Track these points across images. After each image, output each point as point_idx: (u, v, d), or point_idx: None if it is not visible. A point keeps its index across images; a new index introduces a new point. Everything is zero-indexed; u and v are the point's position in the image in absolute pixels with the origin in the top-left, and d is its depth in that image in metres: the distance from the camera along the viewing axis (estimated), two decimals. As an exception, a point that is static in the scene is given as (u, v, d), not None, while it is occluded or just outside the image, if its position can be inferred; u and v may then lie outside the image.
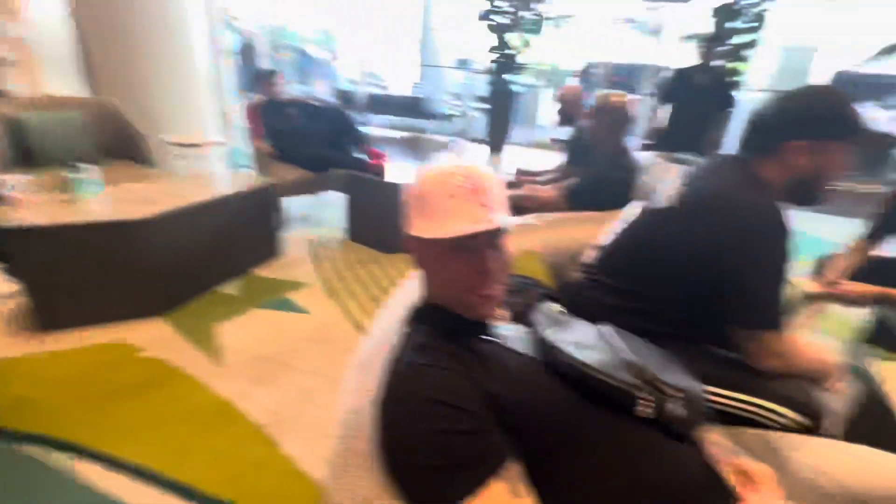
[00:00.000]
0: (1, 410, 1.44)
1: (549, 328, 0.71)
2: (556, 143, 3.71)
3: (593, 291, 1.10)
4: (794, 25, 7.79)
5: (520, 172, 2.69)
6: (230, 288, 2.29)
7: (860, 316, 2.32)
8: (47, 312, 1.81)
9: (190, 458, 1.32)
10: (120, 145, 2.92)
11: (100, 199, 1.99)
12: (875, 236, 1.68)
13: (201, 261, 2.16)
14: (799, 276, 1.65)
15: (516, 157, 6.12)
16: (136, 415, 1.47)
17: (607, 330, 0.78)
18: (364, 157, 3.15)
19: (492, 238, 0.66)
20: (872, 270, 1.67)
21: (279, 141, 3.00)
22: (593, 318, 1.06)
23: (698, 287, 0.94)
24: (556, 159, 2.70)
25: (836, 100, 0.89)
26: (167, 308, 2.02)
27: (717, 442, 0.75)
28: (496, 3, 5.74)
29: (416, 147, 6.83)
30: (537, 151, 6.62)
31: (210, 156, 3.49)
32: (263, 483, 1.27)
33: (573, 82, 6.02)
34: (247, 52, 8.26)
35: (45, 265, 1.73)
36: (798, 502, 0.70)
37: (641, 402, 0.64)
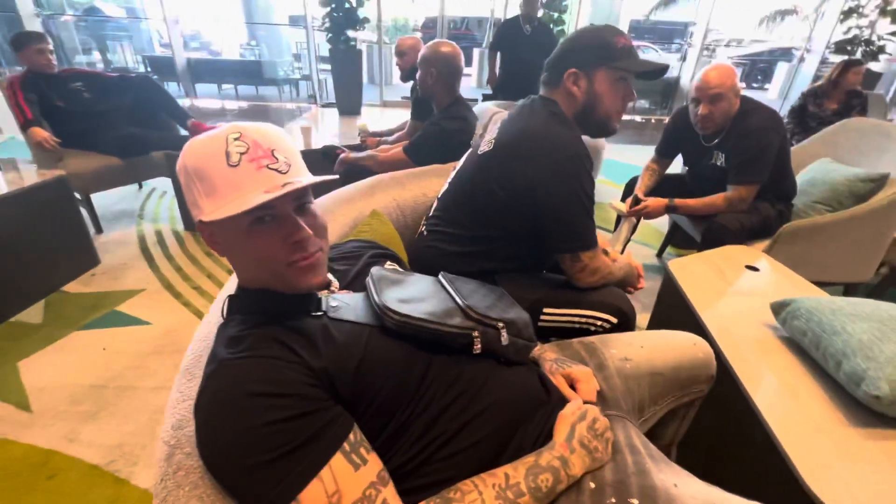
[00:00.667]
0: None
1: (381, 289, 0.69)
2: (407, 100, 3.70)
3: (436, 243, 1.13)
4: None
5: (364, 134, 2.61)
6: (32, 315, 1.85)
7: (659, 224, 2.87)
8: None
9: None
10: None
11: None
12: (662, 156, 2.03)
13: (-24, 289, 1.68)
14: (613, 199, 1.92)
15: (370, 119, 5.95)
16: None
17: (443, 278, 0.80)
18: (186, 133, 2.73)
19: (296, 202, 0.60)
20: (663, 185, 2.03)
21: (62, 124, 2.40)
22: (439, 268, 1.09)
23: (521, 223, 1.02)
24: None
25: (599, 32, 1.00)
26: (-66, 358, 1.56)
27: (550, 358, 0.85)
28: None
29: (260, 117, 6.16)
30: (395, 111, 6.51)
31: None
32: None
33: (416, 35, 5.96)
34: (8, 10, 6.38)
35: None
36: (612, 387, 0.83)
37: (476, 341, 0.68)
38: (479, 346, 0.68)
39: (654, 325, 1.58)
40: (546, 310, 1.07)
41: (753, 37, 10.77)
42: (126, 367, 1.59)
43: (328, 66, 6.08)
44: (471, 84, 9.74)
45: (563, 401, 0.75)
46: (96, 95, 2.56)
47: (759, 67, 10.32)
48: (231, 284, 0.87)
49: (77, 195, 2.37)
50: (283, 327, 0.59)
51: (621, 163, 4.31)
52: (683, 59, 7.33)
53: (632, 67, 0.97)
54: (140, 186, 3.27)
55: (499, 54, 3.86)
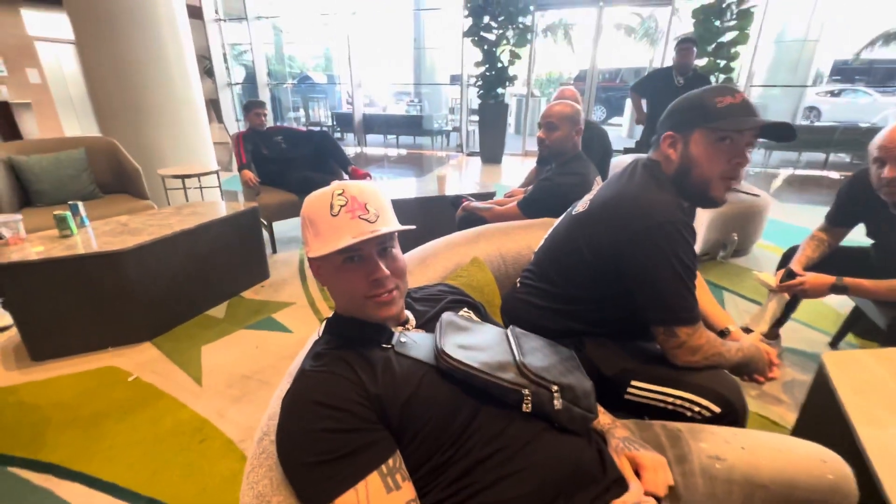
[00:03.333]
0: (-5, 436, 1.54)
1: (446, 333, 0.75)
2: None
3: (527, 296, 1.15)
4: (789, 18, 7.75)
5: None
6: (218, 311, 2.38)
7: (839, 304, 2.31)
8: (39, 343, 1.91)
9: (163, 475, 1.38)
10: (118, 181, 3.07)
11: (85, 233, 2.10)
12: (834, 224, 1.68)
13: (188, 286, 2.25)
14: (761, 272, 1.65)
15: (512, 168, 6.19)
16: (117, 436, 1.55)
17: (510, 332, 0.83)
18: (348, 177, 3.25)
19: (379, 246, 0.71)
20: (833, 259, 1.67)
21: (264, 168, 3.12)
22: (527, 321, 1.11)
23: (609, 289, 0.98)
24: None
25: (699, 94, 0.92)
26: (156, 333, 2.12)
27: (619, 436, 0.78)
28: (484, 20, 5.88)
29: (416, 163, 6.94)
30: (532, 160, 6.67)
31: (207, 185, 3.64)
32: (231, 495, 1.33)
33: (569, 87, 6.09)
34: (251, 82, 8.58)
35: (35, 298, 1.84)
36: (690, 487, 0.72)
37: (526, 399, 0.69)
38: (530, 405, 0.68)
39: (799, 432, 1.29)
40: (635, 383, 0.98)
41: None
42: (268, 365, 1.93)
43: (476, 118, 6.60)
44: (621, 134, 9.42)
45: (622, 485, 0.69)
46: (289, 146, 3.26)
47: None
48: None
49: (263, 222, 3.02)
50: (355, 352, 0.70)
51: (792, 225, 3.64)
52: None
53: (731, 126, 0.87)
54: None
55: (645, 102, 3.71)
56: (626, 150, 3.82)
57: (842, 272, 1.49)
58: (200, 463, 1.43)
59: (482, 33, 5.92)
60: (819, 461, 0.76)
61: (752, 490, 0.73)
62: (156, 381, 1.82)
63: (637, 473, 0.71)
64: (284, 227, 3.50)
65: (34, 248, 1.89)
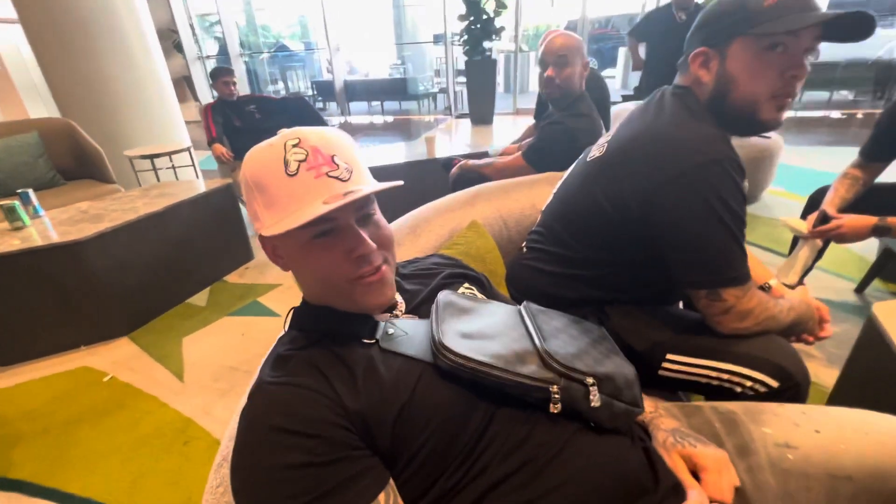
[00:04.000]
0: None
1: (444, 318, 0.59)
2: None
3: (535, 262, 0.98)
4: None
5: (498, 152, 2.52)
6: (199, 299, 2.22)
7: (861, 249, 2.16)
8: (3, 345, 1.75)
9: (144, 484, 1.25)
10: (80, 165, 2.83)
11: (40, 224, 1.90)
12: (871, 160, 1.51)
13: (164, 274, 2.08)
14: (790, 216, 1.49)
15: (504, 128, 5.91)
16: (92, 444, 1.41)
17: (524, 310, 0.66)
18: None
19: (358, 212, 0.54)
20: (869, 198, 1.51)
21: (236, 140, 2.88)
22: (537, 291, 0.94)
23: (637, 248, 0.81)
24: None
25: None
26: (132, 327, 1.96)
27: (667, 428, 0.63)
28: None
29: (403, 130, 6.64)
30: (528, 119, 6.38)
31: (178, 164, 3.40)
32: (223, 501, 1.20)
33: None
34: (224, 54, 8.11)
35: (-11, 298, 1.66)
36: (759, 484, 0.58)
37: (555, 396, 0.53)
38: (559, 405, 0.53)
39: (842, 395, 1.16)
40: (671, 356, 0.83)
41: None
42: (256, 354, 1.78)
43: (465, 80, 6.25)
44: (614, 86, 9.05)
45: (678, 492, 0.54)
46: (264, 115, 3.01)
47: None
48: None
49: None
50: (329, 353, 0.53)
51: (804, 168, 3.45)
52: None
53: (784, 27, 0.67)
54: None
55: (644, 47, 3.43)
56: (626, 98, 3.56)
57: (879, 212, 1.33)
58: (185, 468, 1.30)
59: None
60: (911, 441, 0.61)
61: (834, 484, 0.58)
62: (133, 379, 1.67)
63: (694, 475, 0.57)
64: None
65: (-18, 244, 1.69)
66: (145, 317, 2.02)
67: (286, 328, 0.63)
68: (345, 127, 7.13)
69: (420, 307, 0.67)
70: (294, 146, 0.52)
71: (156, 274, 2.03)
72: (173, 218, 2.09)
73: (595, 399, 0.53)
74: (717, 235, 0.72)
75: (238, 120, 2.93)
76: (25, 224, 1.86)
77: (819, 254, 1.74)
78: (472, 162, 1.87)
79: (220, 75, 2.88)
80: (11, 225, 1.83)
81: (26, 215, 1.88)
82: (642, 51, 3.48)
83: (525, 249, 1.05)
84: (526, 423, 0.53)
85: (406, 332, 0.59)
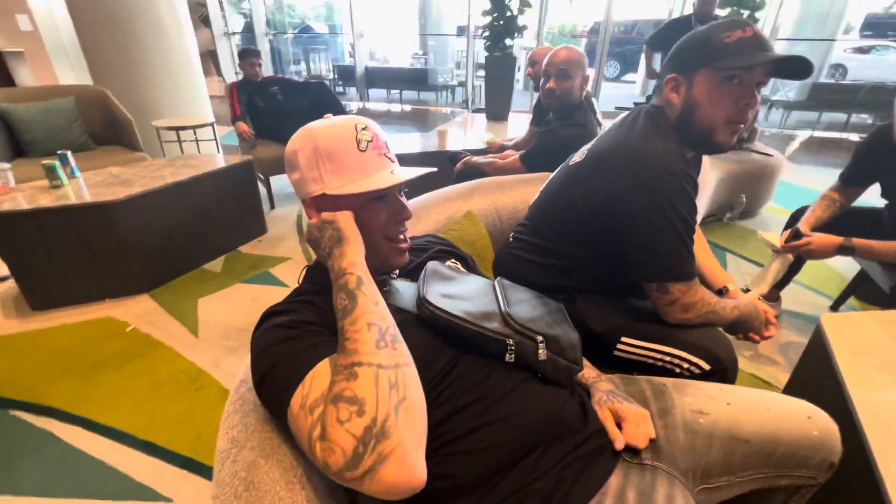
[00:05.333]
0: (-3, 382, 1.57)
1: (430, 281, 0.73)
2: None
3: (518, 250, 1.11)
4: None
5: (495, 144, 2.64)
6: (214, 265, 2.38)
7: (844, 268, 2.26)
8: (36, 292, 1.93)
9: (159, 421, 1.42)
10: (110, 132, 3.00)
11: (76, 184, 2.07)
12: (848, 184, 1.61)
13: (184, 240, 2.24)
14: (765, 231, 1.60)
15: (519, 125, 5.99)
16: (115, 383, 1.58)
17: (499, 283, 0.80)
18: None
19: (401, 186, 0.70)
20: (844, 219, 1.61)
21: (259, 120, 3.02)
22: (518, 276, 1.08)
23: (603, 244, 0.94)
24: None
25: (705, 30, 0.84)
26: (153, 285, 2.13)
27: (603, 388, 0.77)
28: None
29: (419, 120, 6.74)
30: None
31: (202, 137, 3.55)
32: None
33: (580, 42, 5.73)
34: (249, 31, 8.23)
35: (28, 249, 1.83)
36: (672, 440, 0.71)
37: (510, 349, 0.67)
38: (513, 356, 0.67)
39: (789, 392, 1.28)
40: (625, 339, 0.96)
41: None
42: (264, 318, 1.94)
43: (483, 72, 6.31)
44: (633, 91, 9.05)
45: (602, 436, 0.68)
46: (285, 97, 3.15)
47: None
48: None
49: (261, 176, 2.96)
50: (328, 297, 0.67)
51: (805, 188, 3.52)
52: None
53: (739, 63, 0.78)
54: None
55: (659, 56, 3.50)
56: (637, 105, 3.64)
57: (852, 233, 1.44)
58: (196, 410, 1.46)
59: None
60: (804, 417, 0.74)
61: (733, 445, 0.71)
62: (153, 331, 1.84)
63: (619, 426, 0.70)
64: (282, 182, 3.44)
65: (21, 198, 1.86)
66: (165, 277, 2.19)
67: (299, 281, 0.77)
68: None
69: (412, 273, 0.81)
70: (363, 129, 0.67)
71: (177, 239, 2.19)
72: (196, 188, 2.25)
73: (542, 354, 0.67)
74: (667, 237, 0.85)
75: (261, 100, 3.07)
76: (64, 183, 2.03)
77: (796, 268, 1.85)
78: (475, 159, 2.00)
79: (249, 56, 3.02)
80: (51, 183, 2.00)
81: (65, 175, 2.04)
82: (657, 61, 3.55)
83: (511, 239, 1.18)
84: (485, 368, 0.66)
85: (398, 290, 0.73)
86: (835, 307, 2.02)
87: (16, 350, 1.74)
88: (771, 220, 2.95)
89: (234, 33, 8.27)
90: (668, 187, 0.83)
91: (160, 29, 3.54)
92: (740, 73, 0.80)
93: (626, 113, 1.00)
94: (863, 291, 1.99)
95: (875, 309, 1.98)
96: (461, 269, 0.86)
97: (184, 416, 1.43)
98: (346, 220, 0.64)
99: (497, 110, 6.26)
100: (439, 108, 7.63)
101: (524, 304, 0.74)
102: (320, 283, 0.72)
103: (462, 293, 0.73)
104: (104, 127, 2.99)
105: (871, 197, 1.63)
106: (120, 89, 3.29)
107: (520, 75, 8.37)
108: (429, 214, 1.28)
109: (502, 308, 0.70)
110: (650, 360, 0.94)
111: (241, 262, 2.42)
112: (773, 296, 1.91)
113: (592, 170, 0.95)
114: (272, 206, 3.17)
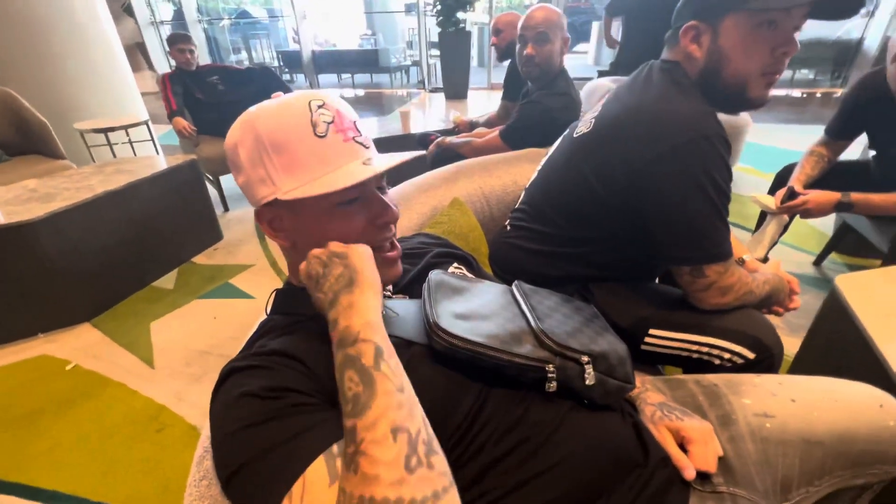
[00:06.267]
0: None
1: (437, 299, 0.57)
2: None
3: (521, 240, 0.97)
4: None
5: (463, 122, 2.47)
6: (166, 281, 2.12)
7: (821, 224, 2.28)
8: (-50, 336, 1.63)
9: (116, 475, 1.21)
10: (25, 140, 2.61)
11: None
12: (835, 137, 1.56)
13: (126, 256, 1.96)
14: (758, 192, 1.54)
15: (479, 103, 5.82)
16: (59, 435, 1.34)
17: (517, 289, 0.65)
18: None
19: (379, 179, 0.54)
20: (832, 175, 1.57)
21: (199, 113, 2.72)
22: (522, 270, 0.94)
23: (622, 224, 0.81)
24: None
25: None
26: (94, 312, 1.86)
27: (654, 402, 0.65)
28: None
29: (374, 104, 6.44)
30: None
31: (135, 138, 3.18)
32: (208, 494, 1.17)
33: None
34: (179, 19, 7.57)
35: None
36: (742, 453, 0.61)
37: (550, 376, 0.53)
38: (554, 384, 0.53)
39: (804, 364, 1.23)
40: (653, 331, 0.85)
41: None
42: (229, 337, 1.73)
43: (439, 52, 6.07)
44: (586, 62, 9.02)
45: (666, 464, 0.56)
46: (227, 87, 2.84)
47: None
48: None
49: (209, 177, 2.67)
50: (312, 336, 0.51)
51: (768, 147, 3.56)
52: (871, 14, 5.77)
53: (779, 4, 0.66)
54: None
55: (618, 22, 3.40)
56: (602, 73, 3.54)
57: (841, 188, 1.39)
58: (160, 456, 1.25)
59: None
60: (876, 406, 0.65)
61: (808, 449, 0.61)
62: (99, 367, 1.60)
63: (681, 446, 0.58)
64: (233, 182, 3.15)
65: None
66: (108, 302, 1.92)
67: (268, 312, 0.60)
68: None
69: (410, 287, 0.65)
70: (319, 107, 0.50)
71: (117, 256, 1.92)
72: (134, 196, 1.97)
73: (590, 377, 0.53)
74: (702, 211, 0.73)
75: (199, 92, 2.75)
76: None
77: (784, 228, 1.81)
78: (449, 139, 1.84)
79: (177, 42, 2.68)
80: (-50, 205, 1.68)
81: (-34, 194, 1.73)
82: (616, 28, 3.45)
83: (508, 227, 1.03)
84: (521, 403, 0.52)
85: (397, 314, 0.57)
86: (817, 263, 2.02)
87: (-72, 408, 1.46)
88: (741, 181, 2.95)
89: (162, 22, 7.58)
90: (701, 153, 0.71)
91: (71, 20, 3.10)
92: (778, 15, 0.68)
93: (635, 73, 0.86)
94: (845, 246, 1.99)
95: (860, 262, 2.00)
96: (468, 274, 0.71)
97: (146, 465, 1.23)
98: (360, 256, 0.47)
99: (456, 89, 6.06)
100: (395, 91, 7.33)
101: (556, 315, 0.60)
102: (298, 312, 0.56)
103: (479, 310, 0.58)
104: (16, 134, 2.59)
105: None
106: (29, 90, 2.85)
107: (474, 52, 8.14)
108: (411, 206, 1.12)
109: (532, 324, 0.56)
110: (684, 353, 0.83)
111: (197, 275, 2.16)
112: (764, 259, 1.87)
113: (607, 140, 0.81)
114: (226, 209, 2.89)
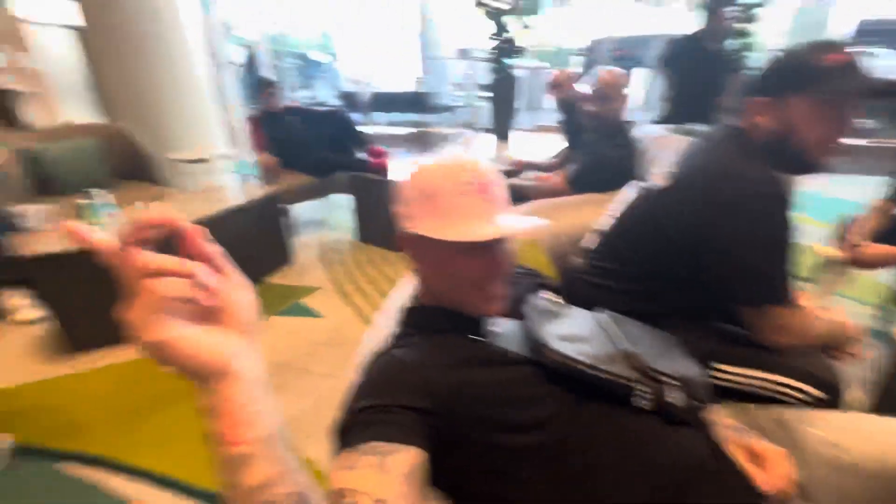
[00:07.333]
0: (39, 431, 1.52)
1: (540, 321, 0.70)
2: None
3: (593, 277, 1.08)
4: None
5: (519, 163, 2.63)
6: (246, 298, 2.34)
7: (886, 278, 2.22)
8: (75, 334, 1.88)
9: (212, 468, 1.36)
10: (133, 167, 3.00)
11: (111, 221, 2.04)
12: (898, 194, 1.60)
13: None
14: (818, 242, 1.58)
15: (522, 143, 6.04)
16: (162, 428, 1.52)
17: (604, 317, 0.77)
18: (365, 156, 3.16)
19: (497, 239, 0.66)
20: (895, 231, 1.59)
21: (281, 150, 3.03)
22: (594, 304, 1.04)
23: (695, 267, 0.91)
24: (561, 143, 2.63)
25: (798, 52, 0.84)
26: (187, 322, 2.08)
27: (726, 424, 0.73)
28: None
29: (422, 142, 6.80)
30: (544, 135, 6.50)
31: (218, 169, 3.55)
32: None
33: (577, 61, 5.83)
34: (251, 62, 8.36)
35: (68, 289, 1.80)
36: (814, 480, 0.67)
37: (638, 393, 0.63)
38: (646, 401, 0.62)
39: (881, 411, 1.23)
40: (720, 366, 0.93)
41: None
42: (304, 353, 1.89)
43: (485, 93, 6.39)
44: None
45: (740, 479, 0.63)
46: (305, 127, 3.16)
47: None
48: (397, 294, 0.98)
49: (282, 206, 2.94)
50: (438, 346, 0.64)
51: (827, 197, 3.52)
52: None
53: (841, 88, 0.78)
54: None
55: (666, 75, 3.52)
56: (653, 123, 3.64)
57: None
58: (250, 454, 1.40)
59: (491, 2, 5.68)
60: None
61: (888, 486, 0.66)
62: (193, 371, 1.79)
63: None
64: (303, 210, 3.44)
65: (59, 238, 1.83)
66: (198, 313, 2.14)
67: (399, 325, 0.74)
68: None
69: (514, 310, 0.78)
70: (468, 170, 0.64)
71: (208, 273, 2.15)
72: (226, 220, 2.23)
73: (681, 399, 0.63)
74: (765, 260, 0.83)
75: (281, 131, 3.08)
76: (100, 222, 2.00)
77: (843, 279, 1.82)
78: (515, 181, 1.99)
79: (266, 86, 3.05)
80: (89, 222, 1.97)
81: (100, 214, 2.02)
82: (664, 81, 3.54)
83: (582, 264, 1.15)
84: (612, 419, 0.62)
85: (503, 332, 0.70)
86: (880, 315, 1.99)
87: (58, 395, 1.69)
88: (801, 231, 2.92)
89: (238, 64, 8.38)
90: (763, 209, 0.82)
91: (170, 61, 3.56)
92: (843, 98, 0.80)
93: (707, 133, 0.99)
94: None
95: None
96: (560, 301, 0.83)
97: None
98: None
99: (500, 129, 6.32)
100: (441, 130, 7.69)
101: (644, 341, 0.71)
102: (426, 327, 0.69)
103: (577, 333, 0.70)
104: (126, 163, 2.98)
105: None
106: (133, 124, 3.27)
107: (522, 94, 8.47)
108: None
109: (627, 348, 0.67)
110: (752, 389, 0.90)
111: (272, 294, 2.38)
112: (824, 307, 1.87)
113: (683, 193, 0.93)
114: (294, 235, 3.14)
